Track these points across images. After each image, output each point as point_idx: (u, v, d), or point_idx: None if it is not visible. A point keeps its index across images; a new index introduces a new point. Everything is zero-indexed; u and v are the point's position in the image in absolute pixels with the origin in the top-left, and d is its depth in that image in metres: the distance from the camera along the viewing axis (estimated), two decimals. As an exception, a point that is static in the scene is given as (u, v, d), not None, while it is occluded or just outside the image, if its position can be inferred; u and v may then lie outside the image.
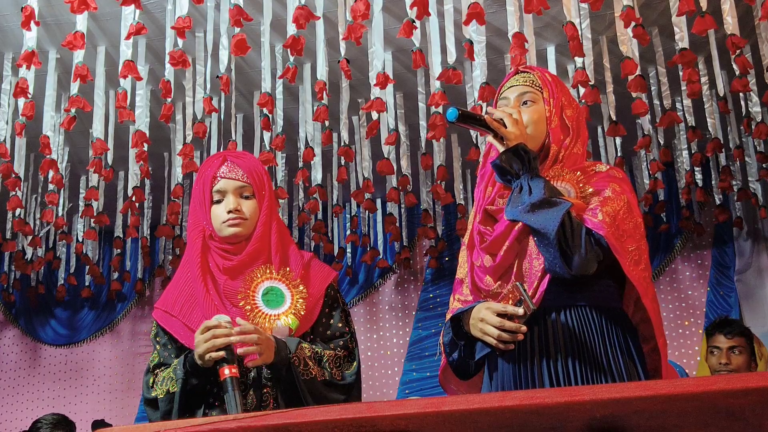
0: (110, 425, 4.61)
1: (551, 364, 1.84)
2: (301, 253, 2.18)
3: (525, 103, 2.01)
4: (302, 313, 2.04)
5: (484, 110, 3.93)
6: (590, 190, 1.92)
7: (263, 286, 2.04)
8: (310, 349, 2.01)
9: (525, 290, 1.79)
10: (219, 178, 2.12)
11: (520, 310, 1.79)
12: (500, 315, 1.82)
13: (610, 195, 1.90)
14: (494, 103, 2.12)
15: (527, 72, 2.08)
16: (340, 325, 2.13)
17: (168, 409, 2.00)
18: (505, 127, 1.91)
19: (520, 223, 1.87)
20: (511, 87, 2.06)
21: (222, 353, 1.90)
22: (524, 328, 1.80)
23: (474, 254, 2.00)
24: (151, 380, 2.08)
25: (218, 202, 2.12)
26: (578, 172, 1.96)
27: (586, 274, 1.83)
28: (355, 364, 2.09)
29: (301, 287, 2.06)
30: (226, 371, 1.89)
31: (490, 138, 1.95)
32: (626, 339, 1.88)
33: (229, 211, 2.09)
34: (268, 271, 2.06)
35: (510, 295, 1.83)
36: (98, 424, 5.12)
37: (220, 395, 1.97)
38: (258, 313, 2.01)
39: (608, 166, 2.01)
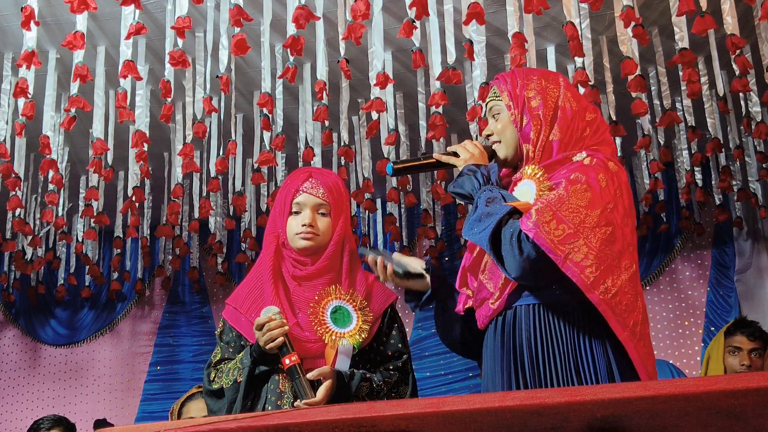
0: (112, 425, 4.61)
1: (521, 360, 1.86)
2: (365, 275, 2.32)
3: (493, 116, 2.07)
4: (365, 335, 2.18)
5: (484, 110, 3.93)
6: (548, 185, 1.90)
7: (332, 305, 2.19)
8: (369, 386, 2.13)
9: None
10: (301, 192, 2.26)
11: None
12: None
13: (560, 192, 1.84)
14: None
15: (494, 84, 2.11)
16: (400, 345, 2.27)
17: (234, 397, 2.15)
18: (458, 157, 1.99)
19: None
20: (489, 100, 2.11)
21: (281, 340, 2.06)
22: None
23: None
24: (213, 374, 2.23)
25: (296, 213, 2.25)
26: (543, 169, 1.93)
27: (531, 275, 1.82)
28: (410, 386, 2.24)
29: (367, 311, 2.21)
30: (287, 360, 2.06)
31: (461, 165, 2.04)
32: (593, 333, 1.84)
33: (304, 225, 2.22)
34: (338, 291, 2.21)
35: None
36: (100, 423, 5.12)
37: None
38: (326, 329, 2.15)
39: (587, 154, 1.93)
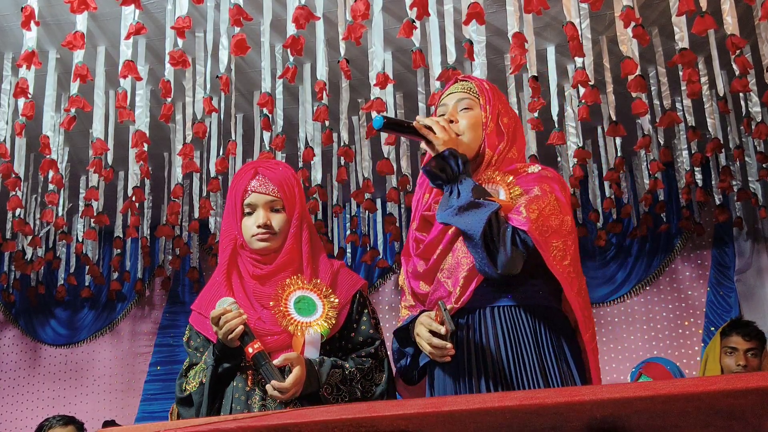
0: (120, 425, 4.62)
1: (486, 363, 1.88)
2: (330, 262, 2.24)
3: (463, 109, 2.08)
4: (333, 322, 2.11)
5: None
6: (519, 190, 1.96)
7: (295, 295, 2.11)
8: (341, 373, 2.06)
9: (446, 310, 1.83)
10: (250, 192, 2.18)
11: (442, 329, 1.84)
12: (431, 330, 1.87)
13: (537, 194, 1.94)
14: (434, 110, 2.16)
15: (466, 81, 2.14)
16: (372, 331, 2.20)
17: (201, 400, 2.08)
18: (435, 134, 1.96)
19: (453, 227, 1.92)
20: (450, 94, 2.12)
21: (241, 329, 1.99)
22: (449, 345, 1.84)
23: (409, 261, 2.06)
24: (184, 383, 2.16)
25: (249, 214, 2.18)
26: (509, 175, 2.02)
27: (514, 273, 1.87)
28: (385, 373, 2.16)
29: (332, 297, 2.13)
30: (250, 349, 1.98)
31: (423, 145, 1.99)
32: (558, 338, 1.92)
33: (259, 226, 2.15)
34: (300, 281, 2.13)
35: (437, 313, 1.86)
36: (108, 423, 5.15)
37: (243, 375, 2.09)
38: (290, 320, 2.07)
39: (541, 167, 2.06)
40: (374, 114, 4.15)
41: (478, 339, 1.90)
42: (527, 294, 1.93)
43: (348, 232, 5.83)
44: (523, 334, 1.89)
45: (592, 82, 4.01)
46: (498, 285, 1.91)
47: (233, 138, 4.69)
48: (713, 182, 5.34)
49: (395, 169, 4.63)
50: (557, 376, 1.87)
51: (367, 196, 5.01)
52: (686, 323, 5.79)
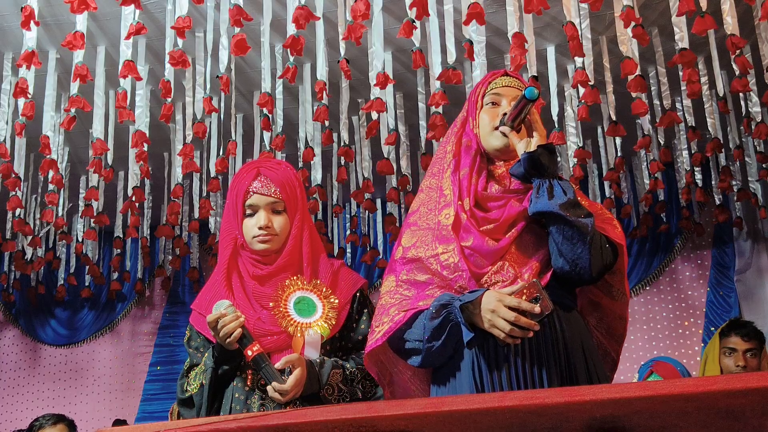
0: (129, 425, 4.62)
1: (543, 356, 1.82)
2: (331, 261, 2.23)
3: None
4: (333, 322, 2.10)
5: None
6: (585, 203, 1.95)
7: (295, 296, 2.11)
8: (341, 374, 2.06)
9: (543, 289, 1.77)
10: (251, 193, 2.17)
11: (537, 308, 1.75)
12: (512, 309, 1.76)
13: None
14: (480, 96, 2.03)
15: (515, 78, 2.05)
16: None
17: (202, 401, 2.08)
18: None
19: (527, 214, 1.87)
20: (507, 86, 2.01)
21: (239, 332, 1.99)
22: (537, 326, 1.77)
23: (461, 236, 1.91)
24: (185, 383, 2.16)
25: (250, 215, 2.17)
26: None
27: (598, 280, 1.90)
28: None
29: (332, 298, 2.12)
30: (249, 352, 1.99)
31: (508, 131, 1.91)
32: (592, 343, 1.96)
33: (260, 228, 2.14)
34: (299, 282, 2.12)
35: (525, 292, 1.78)
36: (118, 422, 5.18)
37: (242, 375, 2.09)
38: (290, 321, 2.07)
39: None
40: (374, 114, 4.14)
41: (551, 337, 1.84)
42: (575, 299, 1.96)
43: (348, 232, 5.83)
44: (582, 336, 1.89)
45: (592, 82, 4.01)
46: (566, 285, 1.90)
47: (233, 138, 4.69)
48: (713, 182, 5.34)
49: (395, 169, 4.63)
50: (605, 376, 1.93)
51: (367, 196, 5.01)
52: (686, 323, 5.79)
